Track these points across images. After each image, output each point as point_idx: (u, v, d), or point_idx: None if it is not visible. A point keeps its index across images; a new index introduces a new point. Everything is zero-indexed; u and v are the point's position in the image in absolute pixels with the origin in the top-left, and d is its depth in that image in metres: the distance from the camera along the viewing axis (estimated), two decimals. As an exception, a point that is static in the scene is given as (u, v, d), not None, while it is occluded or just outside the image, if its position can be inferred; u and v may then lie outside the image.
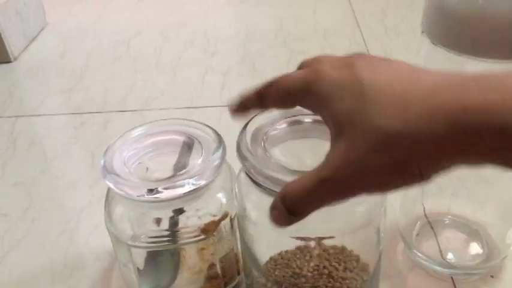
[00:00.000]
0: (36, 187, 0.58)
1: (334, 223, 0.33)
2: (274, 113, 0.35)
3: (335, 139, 0.25)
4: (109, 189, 0.40)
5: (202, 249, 0.41)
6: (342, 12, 0.93)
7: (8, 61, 0.83)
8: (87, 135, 0.66)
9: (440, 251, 0.45)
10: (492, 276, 0.44)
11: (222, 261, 0.41)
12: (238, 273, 0.44)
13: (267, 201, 0.31)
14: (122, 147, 0.40)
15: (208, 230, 0.39)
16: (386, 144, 0.22)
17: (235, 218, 0.41)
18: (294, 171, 0.31)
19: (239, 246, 0.42)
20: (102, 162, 0.38)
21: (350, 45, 0.82)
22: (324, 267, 0.35)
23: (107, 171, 0.38)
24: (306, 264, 0.35)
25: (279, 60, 0.80)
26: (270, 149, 0.34)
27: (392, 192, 0.24)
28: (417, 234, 0.46)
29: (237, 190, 0.36)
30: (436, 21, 0.34)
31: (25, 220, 0.53)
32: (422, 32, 0.36)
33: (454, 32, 0.33)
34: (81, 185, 0.58)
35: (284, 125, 0.35)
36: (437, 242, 0.46)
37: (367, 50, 0.80)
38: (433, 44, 0.35)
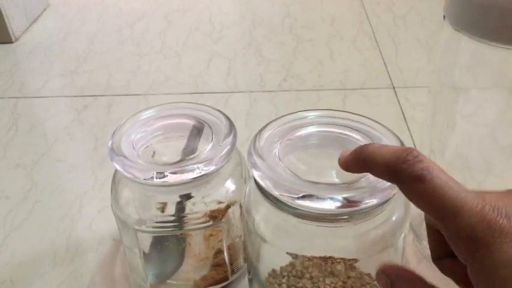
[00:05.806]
0: (38, 170, 0.57)
1: (356, 245, 0.32)
2: (288, 122, 0.35)
3: None
4: (115, 172, 0.39)
5: (210, 235, 0.40)
6: (350, 0, 0.91)
7: (10, 41, 0.82)
8: (90, 118, 0.65)
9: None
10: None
11: (229, 248, 0.40)
12: (245, 261, 0.43)
13: (276, 216, 0.30)
14: (130, 129, 0.39)
15: (216, 216, 0.39)
16: None
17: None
18: (309, 182, 0.30)
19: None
20: (110, 144, 0.37)
21: (358, 33, 0.81)
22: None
23: (115, 153, 0.37)
24: (320, 279, 0.34)
25: (285, 47, 0.78)
26: (283, 158, 0.33)
27: None
28: (427, 226, 0.45)
29: (245, 200, 0.35)
30: (460, 7, 0.33)
31: (27, 203, 0.53)
32: (444, 17, 0.35)
33: (477, 18, 0.32)
34: (84, 169, 0.57)
35: (300, 134, 0.34)
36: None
37: (375, 38, 0.79)
38: (455, 30, 0.34)
